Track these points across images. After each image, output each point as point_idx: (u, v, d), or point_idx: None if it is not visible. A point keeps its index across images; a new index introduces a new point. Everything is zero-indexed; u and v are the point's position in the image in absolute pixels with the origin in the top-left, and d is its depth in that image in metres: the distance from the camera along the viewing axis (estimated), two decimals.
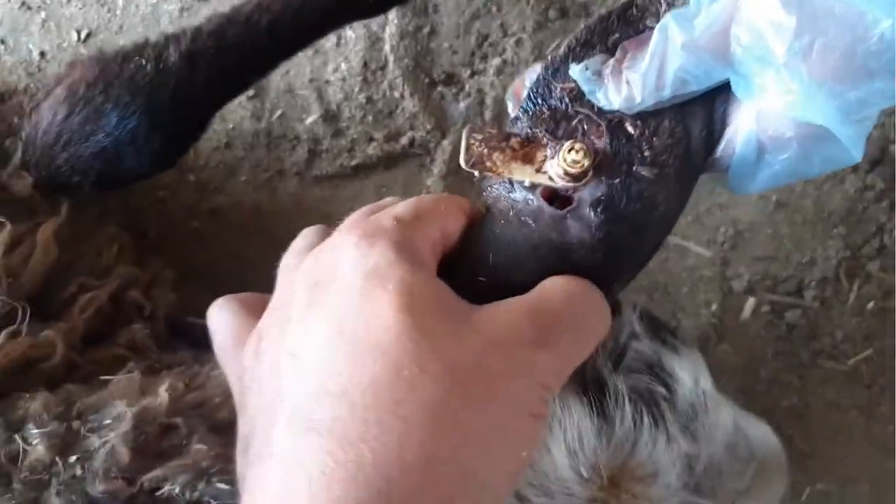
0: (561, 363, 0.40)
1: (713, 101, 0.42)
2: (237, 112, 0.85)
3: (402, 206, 0.43)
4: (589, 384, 0.44)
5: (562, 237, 0.41)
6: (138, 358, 0.57)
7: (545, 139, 0.42)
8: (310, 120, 0.87)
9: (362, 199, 0.86)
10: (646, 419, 0.44)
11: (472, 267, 0.43)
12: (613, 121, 0.41)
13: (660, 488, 0.43)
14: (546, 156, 0.41)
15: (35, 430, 0.46)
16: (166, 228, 0.85)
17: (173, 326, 0.65)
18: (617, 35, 0.42)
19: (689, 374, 0.47)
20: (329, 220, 0.83)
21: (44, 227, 0.59)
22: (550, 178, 0.41)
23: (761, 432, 0.53)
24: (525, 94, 0.43)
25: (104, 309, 0.59)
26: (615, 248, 0.41)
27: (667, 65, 0.39)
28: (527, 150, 0.42)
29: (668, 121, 0.41)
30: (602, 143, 0.41)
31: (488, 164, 0.41)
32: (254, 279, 0.84)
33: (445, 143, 0.87)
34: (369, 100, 0.87)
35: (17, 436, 0.46)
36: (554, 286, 0.41)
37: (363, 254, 0.39)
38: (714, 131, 0.42)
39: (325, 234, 0.44)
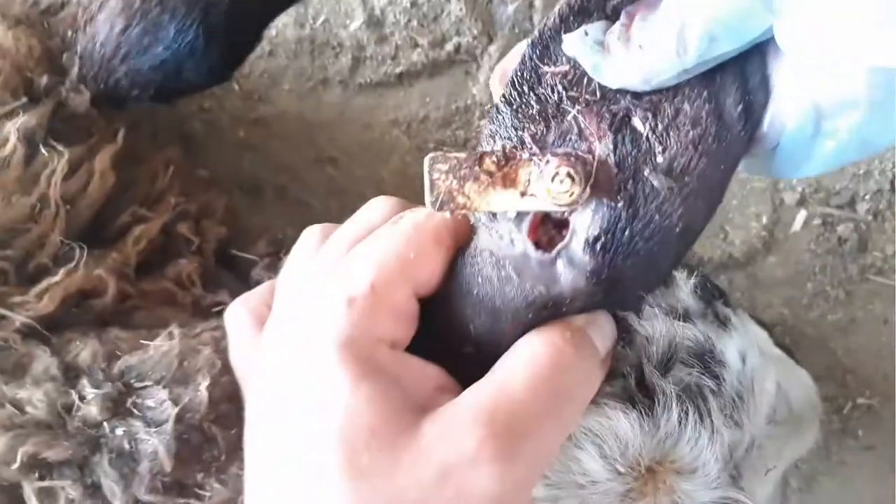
0: (530, 468, 0.35)
1: (745, 65, 0.32)
2: (280, 18, 0.83)
3: (360, 265, 0.36)
4: (635, 394, 0.41)
5: (551, 290, 0.34)
6: (183, 294, 0.58)
7: (528, 153, 0.33)
8: (353, 26, 0.84)
9: (407, 109, 0.85)
10: (691, 416, 0.41)
11: (453, 338, 0.37)
12: (618, 115, 0.32)
13: (700, 481, 0.41)
14: (531, 173, 0.33)
15: (90, 388, 0.48)
16: (213, 138, 0.85)
17: (220, 258, 0.66)
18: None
19: (738, 353, 0.45)
20: (372, 131, 0.84)
21: (101, 154, 0.59)
22: (539, 202, 0.33)
23: (802, 390, 0.51)
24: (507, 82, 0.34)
25: (155, 240, 0.60)
26: (620, 287, 0.34)
27: (689, 18, 0.30)
28: (506, 171, 0.33)
29: (689, 103, 0.32)
30: (603, 148, 0.32)
31: (461, 199, 0.33)
32: (297, 189, 0.85)
33: (492, 48, 0.84)
34: (414, 3, 0.84)
35: (73, 392, 0.48)
36: (518, 363, 0.35)
37: (304, 362, 0.36)
38: (754, 104, 0.32)
39: (326, 234, 0.41)
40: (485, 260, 0.35)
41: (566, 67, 0.33)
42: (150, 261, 0.60)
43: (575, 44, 0.32)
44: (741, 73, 0.32)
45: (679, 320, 0.43)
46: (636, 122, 0.32)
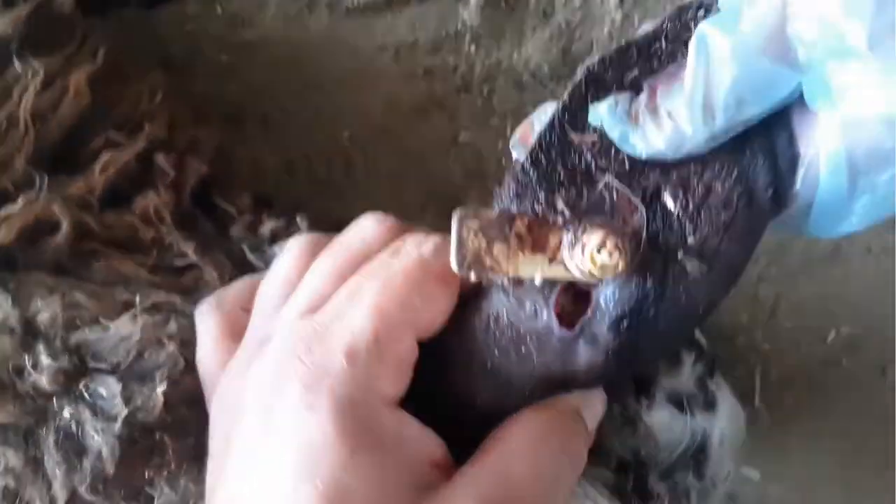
0: None
1: (774, 140, 0.31)
2: None
3: (360, 310, 0.33)
4: (630, 494, 0.41)
5: (567, 367, 0.33)
6: (146, 229, 0.55)
7: (561, 219, 0.32)
8: None
9: (395, 34, 0.83)
10: None
11: (452, 402, 0.36)
12: (648, 189, 0.31)
13: None
14: (562, 240, 0.32)
15: (45, 358, 0.45)
16: (194, 64, 0.83)
17: (201, 202, 0.62)
18: (636, 72, 0.32)
19: (719, 438, 0.44)
20: (359, 57, 0.82)
21: (78, 70, 0.55)
22: (567, 270, 0.32)
23: (738, 433, 0.50)
24: (533, 143, 0.33)
25: (129, 169, 0.57)
26: (633, 363, 0.34)
27: (715, 81, 0.29)
28: (536, 236, 0.32)
29: (720, 183, 0.31)
30: (635, 223, 0.31)
31: (488, 262, 0.31)
32: (280, 120, 0.83)
33: None
34: None
35: (27, 355, 0.45)
36: (519, 446, 0.34)
37: (301, 418, 0.32)
38: (784, 183, 0.31)
39: (313, 251, 0.39)
40: (503, 331, 0.34)
41: (594, 137, 0.32)
42: (120, 191, 0.57)
43: (603, 113, 0.31)
44: (770, 150, 0.31)
45: (680, 409, 0.43)
46: (667, 198, 0.31)
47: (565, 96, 0.33)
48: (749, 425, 0.51)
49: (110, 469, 0.44)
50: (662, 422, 0.42)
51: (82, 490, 0.45)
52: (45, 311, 0.47)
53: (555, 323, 0.33)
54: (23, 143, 0.52)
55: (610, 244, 0.30)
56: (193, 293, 0.52)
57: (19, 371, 0.46)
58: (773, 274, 0.82)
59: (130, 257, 0.54)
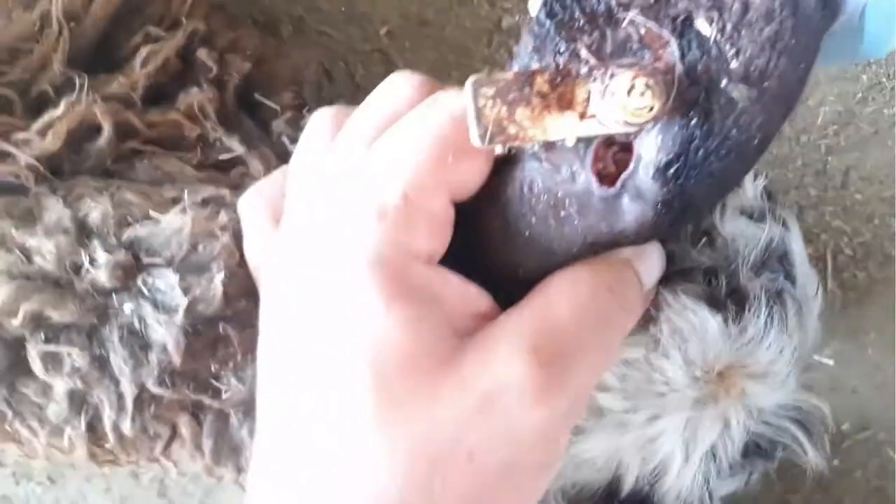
0: (574, 400, 0.33)
1: None
2: None
3: (390, 168, 0.32)
4: (723, 298, 0.39)
5: (613, 226, 0.31)
6: (192, 127, 0.53)
7: (586, 67, 0.28)
8: None
9: None
10: (776, 321, 0.40)
11: (494, 273, 0.34)
12: (678, 18, 0.27)
13: (770, 384, 0.40)
14: (590, 91, 0.28)
15: (101, 252, 0.44)
16: None
17: (242, 102, 0.60)
18: None
19: (800, 250, 0.43)
20: None
21: None
22: (601, 124, 0.28)
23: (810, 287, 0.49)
24: None
25: (170, 65, 0.55)
26: (687, 214, 0.30)
27: None
28: (562, 91, 0.28)
29: None
30: (668, 57, 0.28)
31: (512, 130, 0.28)
32: (315, 20, 0.80)
33: None
34: None
35: (83, 251, 0.44)
36: (560, 289, 0.33)
37: (331, 278, 0.32)
38: None
39: (338, 121, 0.37)
40: (539, 198, 0.31)
41: None
42: (163, 89, 0.55)
43: None
44: None
45: (754, 220, 0.42)
46: (700, 23, 0.27)
47: None
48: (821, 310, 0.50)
49: (177, 360, 0.44)
50: (738, 229, 0.41)
51: (150, 384, 0.44)
52: (96, 210, 0.46)
53: (594, 183, 0.30)
54: (58, 44, 0.50)
55: (639, 84, 0.27)
56: (241, 187, 0.50)
57: (77, 269, 0.45)
58: (841, 144, 0.78)
59: (176, 155, 0.52)
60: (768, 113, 0.28)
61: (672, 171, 0.28)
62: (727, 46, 0.27)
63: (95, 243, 0.45)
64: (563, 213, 0.31)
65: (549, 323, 0.32)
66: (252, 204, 0.42)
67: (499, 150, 0.30)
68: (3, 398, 0.45)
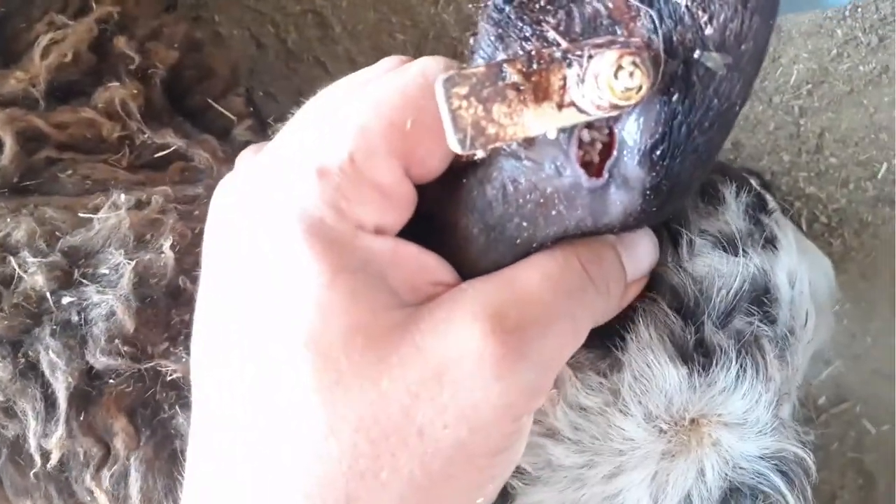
0: (537, 375, 0.30)
1: None
2: None
3: (338, 126, 0.29)
4: (691, 352, 0.36)
5: (600, 219, 0.29)
6: (112, 126, 0.48)
7: (559, 51, 0.26)
8: None
9: None
10: (749, 371, 0.36)
11: (471, 269, 0.31)
12: None
13: (748, 432, 0.37)
14: (566, 77, 0.26)
15: (32, 259, 0.40)
16: None
17: (174, 98, 0.55)
18: None
19: (787, 279, 0.39)
20: None
21: None
22: (582, 110, 0.26)
23: (825, 281, 0.46)
24: None
25: (81, 57, 0.49)
26: (674, 195, 0.28)
27: None
28: (537, 80, 0.26)
29: None
30: (641, 30, 0.26)
31: (492, 130, 0.26)
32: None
33: None
34: None
35: (12, 258, 0.41)
36: (532, 261, 0.30)
37: (266, 241, 0.29)
38: None
39: None
40: (526, 197, 0.29)
41: None
42: (73, 89, 0.50)
43: None
44: None
45: (732, 252, 0.38)
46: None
47: None
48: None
49: (129, 325, 0.40)
50: (709, 268, 0.37)
51: (97, 357, 0.40)
52: (20, 229, 0.42)
53: (583, 175, 0.28)
54: None
55: (627, 64, 0.25)
56: (183, 182, 0.47)
57: (7, 282, 0.41)
58: (815, 104, 0.74)
59: (100, 159, 0.47)
60: (746, 77, 0.27)
61: (658, 153, 0.27)
62: (699, 12, 0.25)
63: (25, 253, 0.41)
64: (553, 212, 0.29)
65: (515, 290, 0.30)
66: (244, 157, 0.37)
67: (480, 154, 0.28)
68: None
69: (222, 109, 0.56)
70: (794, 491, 0.38)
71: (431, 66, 0.29)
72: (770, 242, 0.40)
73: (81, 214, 0.43)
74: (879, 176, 0.75)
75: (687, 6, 0.25)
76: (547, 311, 0.30)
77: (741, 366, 0.37)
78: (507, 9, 0.27)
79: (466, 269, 0.32)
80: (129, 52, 0.51)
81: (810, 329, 0.41)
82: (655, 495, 0.37)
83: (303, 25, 0.75)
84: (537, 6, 0.27)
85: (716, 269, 0.37)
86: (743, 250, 0.38)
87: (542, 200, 0.29)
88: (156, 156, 0.50)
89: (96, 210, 0.43)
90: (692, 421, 0.37)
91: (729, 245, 0.38)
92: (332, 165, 0.29)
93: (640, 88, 0.25)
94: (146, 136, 0.49)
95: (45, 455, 0.42)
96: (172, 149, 0.50)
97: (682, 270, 0.36)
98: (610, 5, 0.26)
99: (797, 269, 0.40)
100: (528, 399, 0.30)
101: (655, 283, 0.37)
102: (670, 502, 0.38)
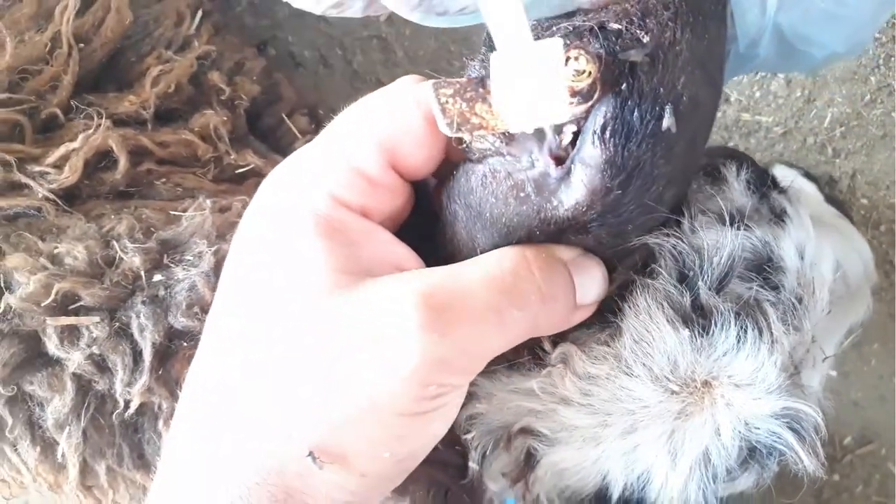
0: (456, 354, 0.33)
1: None
2: None
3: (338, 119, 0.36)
4: (690, 314, 0.39)
5: (566, 202, 0.33)
6: (206, 149, 0.55)
7: None
8: None
9: None
10: (750, 333, 0.39)
11: (455, 255, 0.37)
12: (595, 27, 0.32)
13: (759, 391, 0.39)
14: None
15: (131, 245, 0.47)
16: None
17: (252, 125, 0.63)
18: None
19: (795, 250, 0.42)
20: None
21: None
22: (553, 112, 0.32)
23: (859, 262, 0.49)
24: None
25: (182, 88, 0.57)
26: (643, 179, 0.33)
27: None
28: None
29: None
30: (593, 49, 0.32)
31: (475, 120, 0.32)
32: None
33: None
34: None
35: (115, 243, 0.47)
36: (480, 259, 0.35)
37: (282, 218, 0.36)
38: None
39: None
40: (500, 181, 0.34)
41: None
42: (175, 110, 0.57)
43: None
44: None
45: (734, 225, 0.40)
46: (611, 24, 0.32)
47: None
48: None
49: (208, 296, 0.45)
50: (708, 239, 0.40)
51: (178, 319, 0.46)
52: (121, 224, 0.48)
53: (552, 166, 0.33)
54: (68, 65, 0.52)
55: (573, 54, 0.31)
56: None
57: (109, 262, 0.47)
58: (847, 147, 0.77)
59: (190, 171, 0.54)
60: (688, 75, 0.32)
61: (609, 131, 0.31)
62: (638, 31, 0.32)
63: (125, 241, 0.47)
64: (522, 194, 0.33)
65: (454, 279, 0.34)
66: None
67: (467, 137, 0.33)
68: (5, 402, 0.47)
69: (292, 126, 0.64)
70: (805, 447, 0.40)
71: (422, 85, 0.35)
72: (778, 217, 0.43)
73: (172, 212, 0.49)
74: None
75: (626, 29, 0.32)
76: (477, 306, 0.33)
77: (741, 327, 0.39)
78: (485, 49, 0.33)
79: (448, 255, 0.37)
80: (221, 85, 0.60)
81: (822, 299, 0.43)
82: (673, 451, 0.40)
83: (368, 49, 0.82)
84: None
85: (713, 240, 0.39)
86: (746, 224, 0.41)
87: (512, 184, 0.34)
88: (236, 171, 0.57)
89: (185, 211, 0.50)
90: (705, 383, 0.40)
91: (731, 220, 0.40)
92: (312, 152, 0.35)
93: (588, 73, 0.31)
94: (232, 157, 0.57)
95: (127, 404, 0.47)
96: (250, 167, 0.57)
97: (680, 241, 0.39)
98: (569, 42, 0.32)
99: (807, 242, 0.43)
100: (437, 370, 0.33)
101: (655, 255, 0.40)
102: (688, 457, 0.40)
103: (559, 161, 0.33)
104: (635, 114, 0.31)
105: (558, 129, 0.33)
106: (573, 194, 0.33)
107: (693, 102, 0.32)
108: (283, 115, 0.65)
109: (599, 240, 0.35)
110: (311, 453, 0.33)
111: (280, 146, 0.64)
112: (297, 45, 0.83)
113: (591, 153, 0.32)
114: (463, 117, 0.32)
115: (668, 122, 0.32)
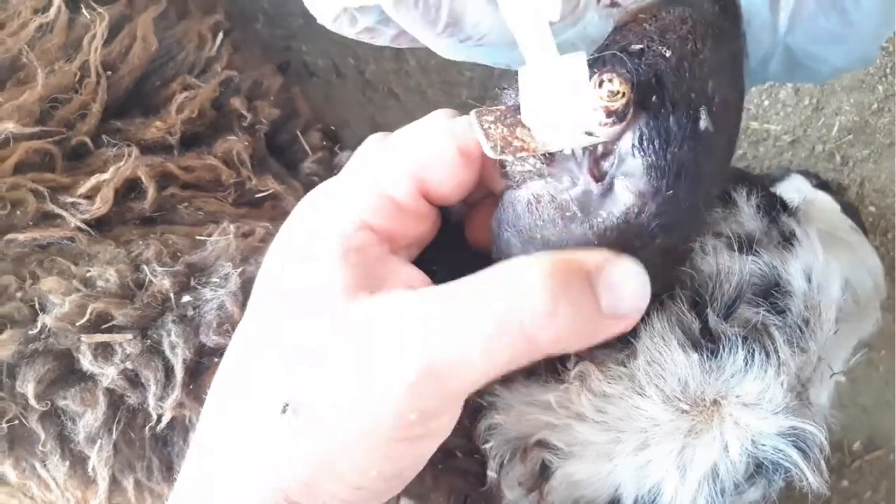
0: (452, 367, 0.33)
1: None
2: None
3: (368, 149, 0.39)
4: (699, 339, 0.40)
5: (615, 211, 0.34)
6: (229, 174, 0.57)
7: None
8: None
9: None
10: (757, 357, 0.40)
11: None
12: (611, 53, 0.35)
13: (766, 411, 0.41)
14: None
15: (160, 268, 0.48)
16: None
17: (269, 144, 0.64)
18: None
19: (803, 273, 0.43)
20: None
21: (143, 16, 0.57)
22: (589, 133, 0.34)
23: (868, 276, 0.50)
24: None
25: (205, 112, 0.58)
26: (688, 180, 0.34)
27: None
28: None
29: (669, 13, 0.35)
30: (625, 74, 0.34)
31: (517, 143, 0.34)
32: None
33: None
34: None
35: (145, 267, 0.48)
36: (486, 274, 0.34)
37: (311, 233, 0.37)
38: None
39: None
40: (545, 205, 0.35)
41: None
42: (199, 135, 0.59)
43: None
44: None
45: (743, 251, 0.42)
46: (633, 46, 0.34)
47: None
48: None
49: (237, 315, 0.46)
50: (717, 266, 0.41)
51: (209, 336, 0.47)
52: (149, 249, 0.50)
53: (592, 183, 0.34)
54: (96, 93, 0.53)
55: (605, 78, 0.33)
56: (274, 219, 0.54)
57: (140, 284, 0.48)
58: (856, 155, 0.78)
59: (213, 195, 0.56)
60: (716, 79, 0.34)
61: (645, 140, 0.33)
62: (661, 48, 0.34)
63: (154, 265, 0.49)
64: (568, 214, 0.35)
65: (450, 307, 0.34)
66: None
67: (510, 159, 0.35)
68: (38, 417, 0.48)
69: (306, 145, 0.66)
70: (808, 464, 0.41)
71: (457, 119, 0.37)
72: (787, 240, 0.44)
73: (198, 237, 0.51)
74: None
75: (648, 47, 0.34)
76: (466, 334, 0.33)
77: (749, 351, 0.40)
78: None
79: None
80: (243, 111, 0.61)
81: (829, 320, 0.44)
82: (683, 466, 0.42)
83: (380, 58, 0.83)
84: None
85: (723, 266, 0.41)
86: (755, 249, 0.42)
87: (557, 206, 0.35)
88: (256, 196, 0.59)
89: (210, 236, 0.51)
90: (714, 402, 0.41)
91: (742, 244, 0.42)
92: (341, 178, 0.38)
93: (622, 94, 0.33)
94: (253, 182, 0.59)
95: (159, 418, 0.49)
96: (269, 192, 0.59)
97: (693, 269, 0.41)
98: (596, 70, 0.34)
99: (815, 264, 0.44)
100: (434, 386, 0.33)
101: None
102: (697, 472, 0.42)
103: (599, 178, 0.35)
104: (671, 120, 0.33)
105: (595, 148, 0.35)
106: (621, 201, 0.34)
107: (724, 103, 0.35)
108: (298, 133, 0.66)
109: (666, 248, 0.36)
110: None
111: (294, 161, 0.66)
112: (310, 54, 0.85)
113: (632, 164, 0.34)
114: (505, 141, 0.35)
115: (705, 123, 0.34)
